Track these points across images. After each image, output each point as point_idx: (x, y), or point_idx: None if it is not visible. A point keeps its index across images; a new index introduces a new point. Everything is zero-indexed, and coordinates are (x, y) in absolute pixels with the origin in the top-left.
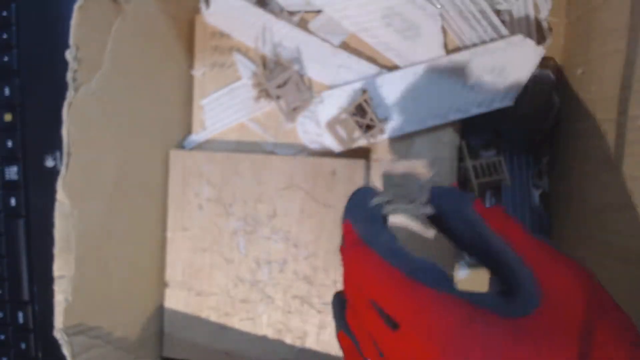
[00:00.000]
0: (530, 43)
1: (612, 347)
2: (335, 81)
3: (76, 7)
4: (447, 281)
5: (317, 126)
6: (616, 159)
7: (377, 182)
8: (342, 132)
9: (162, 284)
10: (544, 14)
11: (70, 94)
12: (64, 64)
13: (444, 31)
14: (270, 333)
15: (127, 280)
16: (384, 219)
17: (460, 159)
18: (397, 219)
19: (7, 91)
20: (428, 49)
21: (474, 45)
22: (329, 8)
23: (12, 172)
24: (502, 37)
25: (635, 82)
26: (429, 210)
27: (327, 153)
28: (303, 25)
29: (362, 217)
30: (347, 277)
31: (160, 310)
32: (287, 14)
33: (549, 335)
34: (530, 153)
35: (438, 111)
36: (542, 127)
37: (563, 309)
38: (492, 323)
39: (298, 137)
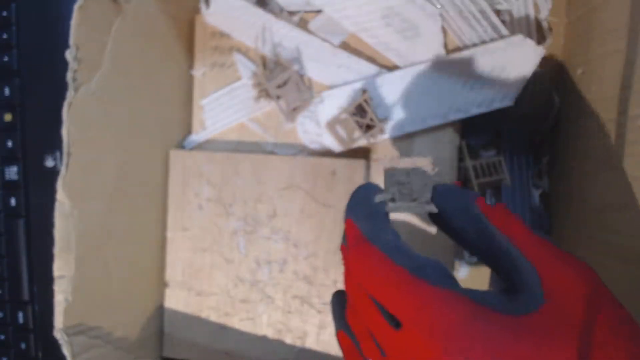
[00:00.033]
0: (530, 43)
1: (612, 344)
2: (335, 81)
3: (76, 7)
4: (449, 278)
5: (317, 126)
6: (616, 159)
7: (377, 182)
8: (342, 132)
9: (162, 284)
10: (544, 14)
11: (70, 94)
12: (64, 64)
13: (444, 31)
14: (270, 333)
15: (127, 280)
16: (386, 216)
17: (460, 159)
18: (399, 217)
19: (7, 91)
20: (428, 49)
21: (474, 45)
22: (329, 8)
23: (12, 172)
24: (502, 37)
25: (635, 82)
26: (432, 208)
27: (327, 153)
28: (303, 25)
29: (365, 214)
30: (349, 275)
31: (160, 310)
32: (287, 14)
33: (550, 333)
34: (530, 153)
35: (438, 111)
36: (542, 127)
37: (565, 306)
38: (495, 321)
39: (298, 137)
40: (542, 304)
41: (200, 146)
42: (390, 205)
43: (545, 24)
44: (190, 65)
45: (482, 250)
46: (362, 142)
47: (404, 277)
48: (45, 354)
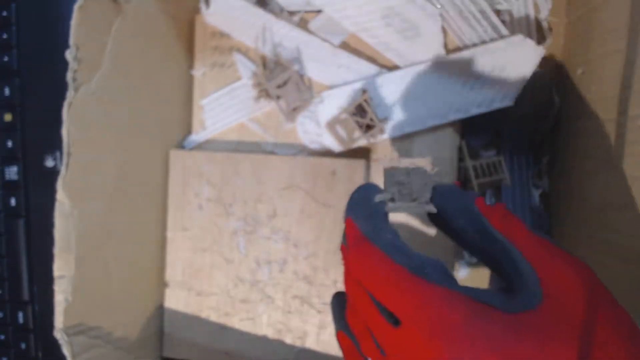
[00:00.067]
0: (530, 43)
1: (612, 344)
2: (335, 81)
3: (76, 7)
4: (449, 277)
5: (317, 126)
6: (616, 159)
7: (377, 182)
8: (342, 132)
9: (162, 284)
10: (544, 14)
11: (70, 94)
12: (64, 64)
13: (444, 31)
14: (270, 333)
15: (127, 280)
16: (386, 216)
17: (460, 159)
18: (399, 218)
19: (7, 91)
20: (428, 49)
21: (474, 45)
22: (329, 8)
23: (12, 172)
24: (502, 37)
25: (635, 82)
26: (431, 208)
27: (327, 153)
28: (303, 25)
29: (365, 214)
30: (349, 275)
31: (160, 310)
32: (287, 14)
33: (550, 331)
34: (530, 153)
35: (438, 111)
36: (542, 126)
37: (564, 305)
38: (495, 318)
39: (298, 137)
40: (541, 302)
41: (200, 146)
42: (390, 205)
43: (545, 24)
44: (190, 65)
45: (481, 250)
46: (362, 142)
47: (404, 276)
48: (45, 354)
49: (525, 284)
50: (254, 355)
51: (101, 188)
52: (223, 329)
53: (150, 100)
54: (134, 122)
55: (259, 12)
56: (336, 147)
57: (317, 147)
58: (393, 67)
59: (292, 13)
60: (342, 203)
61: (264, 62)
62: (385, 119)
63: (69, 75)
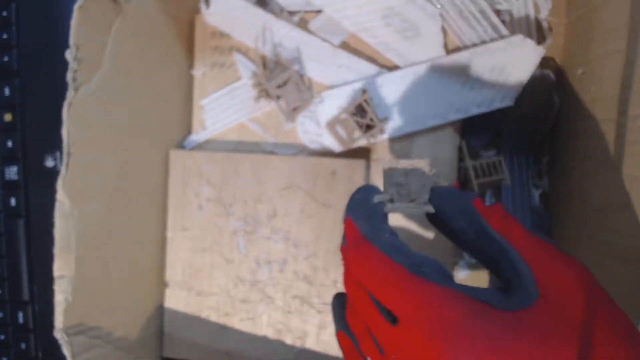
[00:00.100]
0: (530, 43)
1: (611, 344)
2: (335, 81)
3: (76, 7)
4: (447, 276)
5: (317, 126)
6: (616, 159)
7: (377, 182)
8: (342, 132)
9: (162, 284)
10: (544, 14)
11: (70, 94)
12: (64, 64)
13: (444, 31)
14: (270, 333)
15: (127, 280)
16: (385, 216)
17: (460, 159)
18: (400, 219)
19: (7, 91)
20: (428, 49)
21: (474, 45)
22: (329, 8)
23: (12, 172)
24: (502, 37)
25: (635, 82)
26: (429, 209)
27: (327, 153)
28: (303, 25)
29: (364, 214)
30: (348, 275)
31: (160, 310)
32: (287, 14)
33: (548, 329)
34: (530, 153)
35: (438, 111)
36: (542, 127)
37: (562, 304)
38: (493, 317)
39: (298, 137)
40: (538, 299)
41: (200, 146)
42: (389, 206)
43: (545, 24)
44: (190, 65)
45: (479, 251)
46: (362, 142)
47: (403, 276)
48: (45, 354)
49: (524, 284)
50: (254, 355)
51: (101, 188)
52: (223, 329)
53: (150, 100)
54: (134, 122)
55: (259, 12)
56: (336, 147)
57: (317, 147)
58: (393, 67)
59: (292, 13)
60: (342, 203)
61: (264, 62)
62: (385, 119)
63: (69, 75)
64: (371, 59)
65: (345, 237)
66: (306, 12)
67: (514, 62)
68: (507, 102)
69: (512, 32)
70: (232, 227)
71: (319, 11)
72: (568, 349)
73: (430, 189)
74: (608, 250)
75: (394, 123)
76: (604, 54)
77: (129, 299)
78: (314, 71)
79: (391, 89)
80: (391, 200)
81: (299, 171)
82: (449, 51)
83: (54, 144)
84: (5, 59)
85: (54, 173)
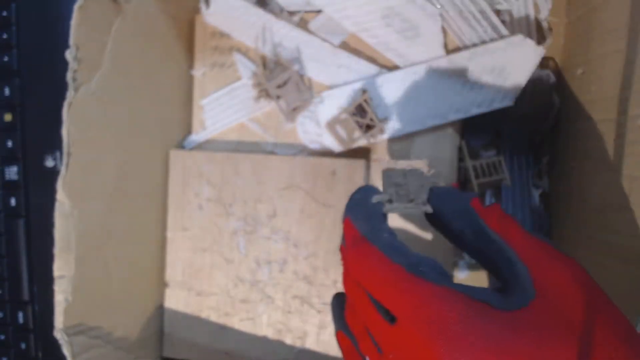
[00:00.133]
0: (530, 43)
1: (611, 345)
2: (335, 81)
3: (76, 7)
4: (446, 276)
5: (317, 126)
6: (616, 159)
7: (377, 182)
8: (342, 132)
9: (162, 284)
10: (544, 14)
11: (70, 94)
12: (64, 64)
13: (444, 31)
14: (270, 333)
15: (127, 280)
16: (384, 217)
17: (460, 159)
18: (400, 219)
19: (7, 91)
20: (428, 49)
21: (474, 45)
22: (329, 8)
23: (12, 172)
24: (502, 37)
25: (635, 82)
26: (428, 209)
27: (327, 153)
28: (303, 25)
29: (363, 214)
30: (348, 275)
31: (160, 310)
32: (287, 14)
33: (547, 329)
34: (530, 153)
35: (438, 111)
36: (542, 127)
37: (560, 303)
38: (492, 316)
39: (298, 137)
40: (535, 298)
41: (200, 146)
42: (388, 206)
43: (545, 24)
44: (190, 65)
45: (478, 251)
46: (362, 142)
47: (402, 275)
48: (45, 354)
49: (521, 284)
50: (254, 355)
51: (101, 188)
52: (223, 329)
53: (150, 100)
54: (134, 122)
55: (259, 12)
56: (336, 147)
57: (317, 147)
58: (393, 67)
59: (292, 13)
60: (342, 203)
61: (264, 62)
62: (385, 119)
63: (69, 75)
64: (371, 59)
65: (344, 237)
66: (306, 12)
67: (514, 62)
68: (507, 102)
69: (512, 32)
70: (232, 227)
71: (319, 11)
72: (568, 348)
73: (429, 189)
74: (608, 250)
75: (394, 123)
76: (604, 54)
77: (129, 299)
78: (314, 71)
79: (391, 89)
80: (390, 201)
81: (299, 171)
82: (449, 51)
83: (54, 144)
84: (5, 59)
85: (54, 173)
